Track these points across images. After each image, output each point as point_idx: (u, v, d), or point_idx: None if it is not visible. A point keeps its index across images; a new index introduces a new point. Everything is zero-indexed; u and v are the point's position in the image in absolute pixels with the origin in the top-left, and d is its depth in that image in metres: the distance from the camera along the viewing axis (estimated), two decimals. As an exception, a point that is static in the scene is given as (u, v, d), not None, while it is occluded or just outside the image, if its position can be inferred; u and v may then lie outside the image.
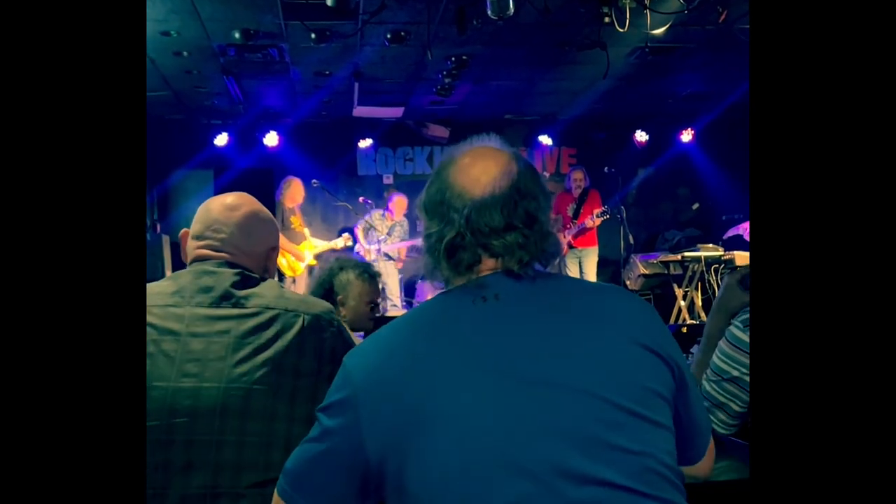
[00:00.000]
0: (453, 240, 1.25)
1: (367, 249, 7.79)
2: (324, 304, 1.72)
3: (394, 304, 7.86)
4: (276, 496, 1.22)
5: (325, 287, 2.92)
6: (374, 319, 3.01)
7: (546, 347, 1.17)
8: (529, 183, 1.29)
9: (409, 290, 8.30)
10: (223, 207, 1.75)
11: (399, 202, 8.15)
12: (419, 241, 1.36)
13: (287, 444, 1.53)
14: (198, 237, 1.73)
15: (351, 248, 7.78)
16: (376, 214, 8.01)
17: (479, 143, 1.35)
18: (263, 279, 1.72)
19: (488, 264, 1.26)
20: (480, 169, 1.29)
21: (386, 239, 7.93)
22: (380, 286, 3.10)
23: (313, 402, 1.57)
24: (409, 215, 8.26)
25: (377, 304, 3.00)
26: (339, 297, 2.90)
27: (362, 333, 3.82)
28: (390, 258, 7.99)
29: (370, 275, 2.97)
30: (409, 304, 8.12)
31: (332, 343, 1.65)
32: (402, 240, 8.13)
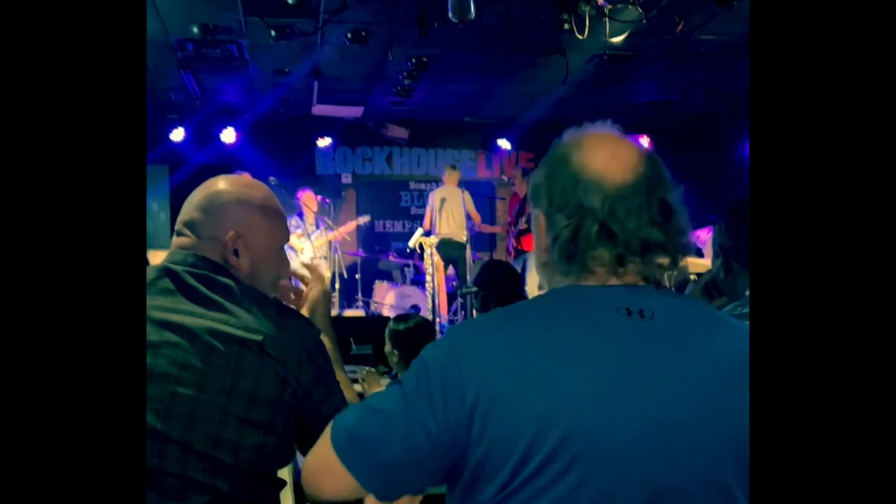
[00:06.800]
0: (590, 233, 1.10)
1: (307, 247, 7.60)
2: (296, 323, 1.51)
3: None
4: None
5: None
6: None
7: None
8: (664, 170, 1.17)
9: (366, 289, 8.25)
10: (198, 187, 1.57)
11: (307, 197, 7.77)
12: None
13: (234, 472, 1.38)
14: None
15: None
16: (294, 224, 7.56)
17: (596, 129, 1.23)
18: (228, 273, 1.49)
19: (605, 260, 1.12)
20: (611, 152, 1.16)
21: (321, 232, 7.66)
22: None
23: (267, 431, 1.41)
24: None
25: None
26: None
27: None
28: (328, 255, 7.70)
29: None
30: (366, 304, 8.08)
31: (298, 372, 1.44)
32: (329, 228, 7.68)
